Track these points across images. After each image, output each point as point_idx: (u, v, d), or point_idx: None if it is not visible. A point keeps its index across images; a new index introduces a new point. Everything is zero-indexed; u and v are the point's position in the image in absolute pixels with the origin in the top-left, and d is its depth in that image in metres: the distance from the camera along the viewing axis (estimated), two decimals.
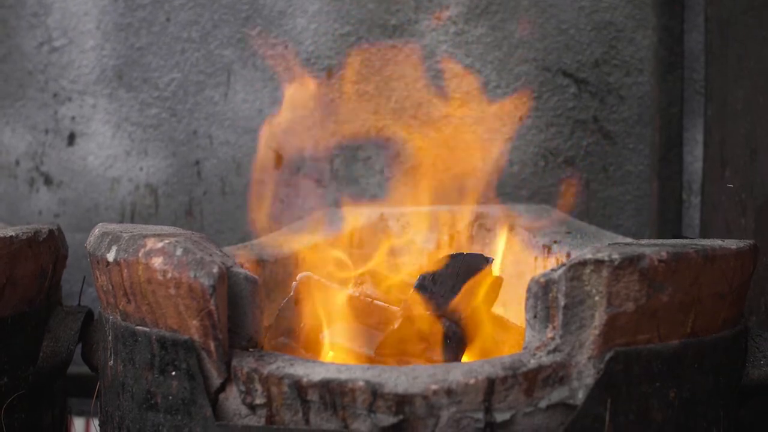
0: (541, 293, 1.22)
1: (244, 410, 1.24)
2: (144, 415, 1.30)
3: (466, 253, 1.52)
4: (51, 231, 1.63)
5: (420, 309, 1.43)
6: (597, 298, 1.19)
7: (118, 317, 1.37)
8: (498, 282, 1.52)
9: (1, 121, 2.43)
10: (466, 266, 1.50)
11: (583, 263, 1.19)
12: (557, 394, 1.19)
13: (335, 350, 1.45)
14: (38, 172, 2.41)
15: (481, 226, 1.87)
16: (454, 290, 1.45)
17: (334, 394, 1.18)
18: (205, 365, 1.25)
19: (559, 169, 2.20)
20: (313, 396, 1.19)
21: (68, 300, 1.90)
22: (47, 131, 2.40)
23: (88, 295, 2.19)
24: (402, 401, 1.16)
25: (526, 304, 1.24)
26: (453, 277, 1.47)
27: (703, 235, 2.12)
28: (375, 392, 1.17)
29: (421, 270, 1.65)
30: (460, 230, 1.88)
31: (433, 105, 2.24)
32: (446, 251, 1.84)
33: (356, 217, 1.93)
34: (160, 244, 1.28)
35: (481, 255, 1.53)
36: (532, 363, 1.19)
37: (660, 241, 1.35)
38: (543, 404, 1.19)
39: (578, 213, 2.19)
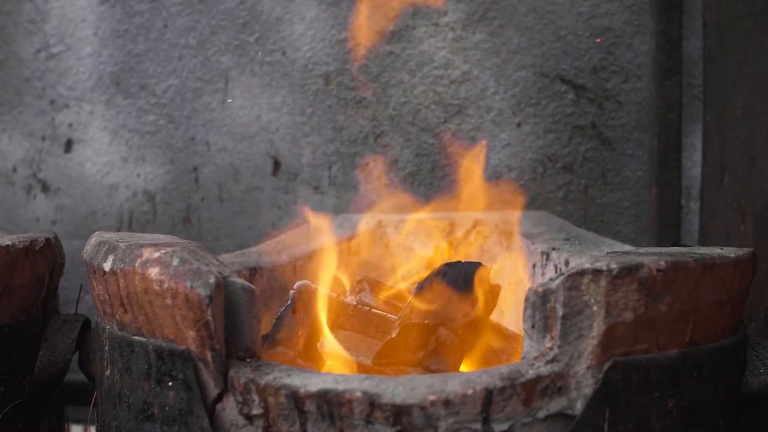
0: (539, 303, 1.21)
1: (241, 421, 1.23)
2: (141, 426, 1.30)
3: (464, 261, 1.51)
4: (48, 239, 1.63)
5: (418, 317, 1.42)
6: (595, 308, 1.19)
7: (115, 327, 1.37)
8: (496, 290, 1.52)
9: None
10: (464, 274, 1.49)
11: (582, 273, 1.19)
12: (555, 405, 1.19)
13: (333, 360, 1.44)
14: (35, 179, 2.41)
15: (480, 233, 1.87)
16: (453, 299, 1.44)
17: (331, 405, 1.18)
18: (202, 376, 1.25)
19: (557, 176, 2.20)
20: (310, 407, 1.19)
21: (66, 307, 1.89)
22: (44, 138, 2.40)
23: (86, 302, 2.19)
24: (400, 412, 1.16)
25: (524, 314, 1.23)
26: (451, 285, 1.46)
27: (702, 241, 2.12)
28: (373, 403, 1.16)
29: (420, 277, 1.65)
30: (458, 237, 1.88)
31: (431, 111, 2.24)
32: (444, 259, 1.83)
33: (354, 224, 1.92)
34: (156, 254, 1.28)
35: (479, 263, 1.52)
36: (531, 373, 1.18)
37: (658, 249, 1.34)
38: (541, 414, 1.18)
39: (577, 219, 2.19)
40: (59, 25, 2.38)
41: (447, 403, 1.16)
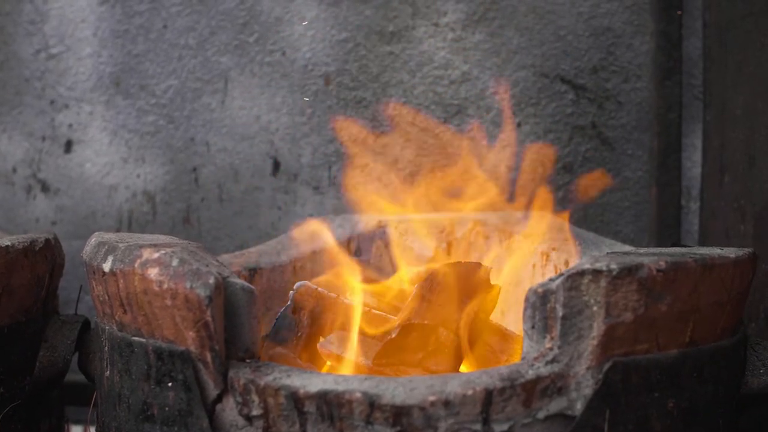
0: (539, 303, 1.21)
1: (240, 421, 1.23)
2: (141, 426, 1.30)
3: (464, 262, 1.51)
4: (47, 240, 1.63)
5: (418, 318, 1.42)
6: (595, 308, 1.19)
7: (115, 327, 1.36)
8: (496, 290, 1.52)
9: None
10: (464, 275, 1.49)
11: (581, 273, 1.19)
12: (555, 405, 1.19)
13: (332, 360, 1.44)
14: (35, 180, 2.41)
15: (479, 234, 1.87)
16: (452, 299, 1.44)
17: (331, 406, 1.18)
18: (202, 376, 1.25)
19: (557, 176, 2.20)
20: (310, 407, 1.19)
21: (66, 308, 1.90)
22: (44, 138, 2.40)
23: (86, 303, 2.19)
24: (399, 413, 1.16)
25: (524, 315, 1.23)
26: (451, 286, 1.46)
27: (702, 241, 2.12)
28: (372, 404, 1.16)
29: (419, 278, 1.65)
30: (458, 238, 1.88)
31: (431, 111, 2.24)
32: (444, 259, 1.83)
33: (354, 224, 1.92)
34: (156, 255, 1.28)
35: (479, 263, 1.52)
36: (530, 374, 1.18)
37: (658, 249, 1.34)
38: (541, 415, 1.18)
39: (576, 219, 2.19)
40: (59, 25, 2.38)
41: (447, 403, 1.16)
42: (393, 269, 1.86)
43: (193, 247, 1.35)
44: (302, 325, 1.47)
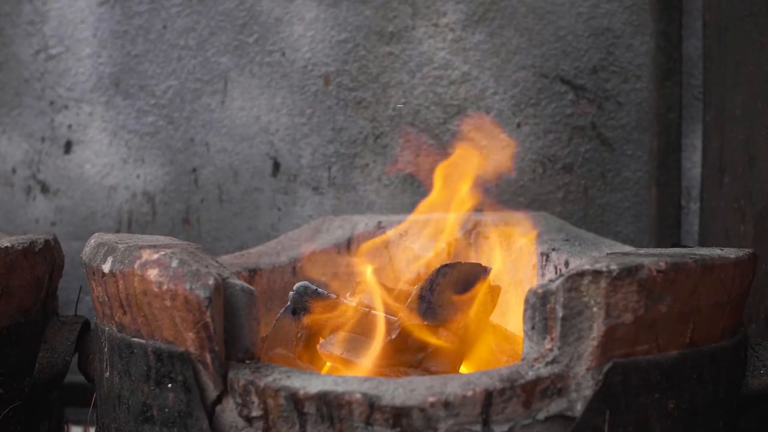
0: (539, 304, 1.21)
1: (240, 423, 1.23)
2: (140, 428, 1.30)
3: (464, 262, 1.51)
4: (47, 241, 1.63)
5: (417, 319, 1.42)
6: (595, 309, 1.18)
7: (114, 328, 1.36)
8: (496, 291, 1.52)
9: None
10: (464, 275, 1.49)
11: (581, 274, 1.19)
12: (555, 406, 1.18)
13: (332, 361, 1.44)
14: (35, 180, 2.41)
15: (479, 234, 1.86)
16: (452, 300, 1.44)
17: (331, 407, 1.17)
18: (202, 377, 1.25)
19: (557, 176, 2.20)
20: (310, 408, 1.18)
21: (66, 308, 1.90)
22: (44, 139, 2.39)
23: (85, 303, 2.19)
24: (399, 414, 1.16)
25: (524, 316, 1.23)
26: (451, 286, 1.46)
27: (702, 241, 2.12)
28: (372, 405, 1.16)
29: (419, 279, 1.65)
30: (458, 238, 1.88)
31: (431, 112, 2.24)
32: (444, 259, 1.83)
33: (354, 225, 1.92)
34: (155, 256, 1.27)
35: (479, 264, 1.52)
36: (530, 375, 1.18)
37: (658, 250, 1.34)
38: (541, 416, 1.18)
39: (576, 219, 2.19)
40: (58, 26, 2.37)
41: (447, 404, 1.16)
42: (392, 270, 1.86)
43: (192, 248, 1.35)
44: (302, 326, 1.47)
